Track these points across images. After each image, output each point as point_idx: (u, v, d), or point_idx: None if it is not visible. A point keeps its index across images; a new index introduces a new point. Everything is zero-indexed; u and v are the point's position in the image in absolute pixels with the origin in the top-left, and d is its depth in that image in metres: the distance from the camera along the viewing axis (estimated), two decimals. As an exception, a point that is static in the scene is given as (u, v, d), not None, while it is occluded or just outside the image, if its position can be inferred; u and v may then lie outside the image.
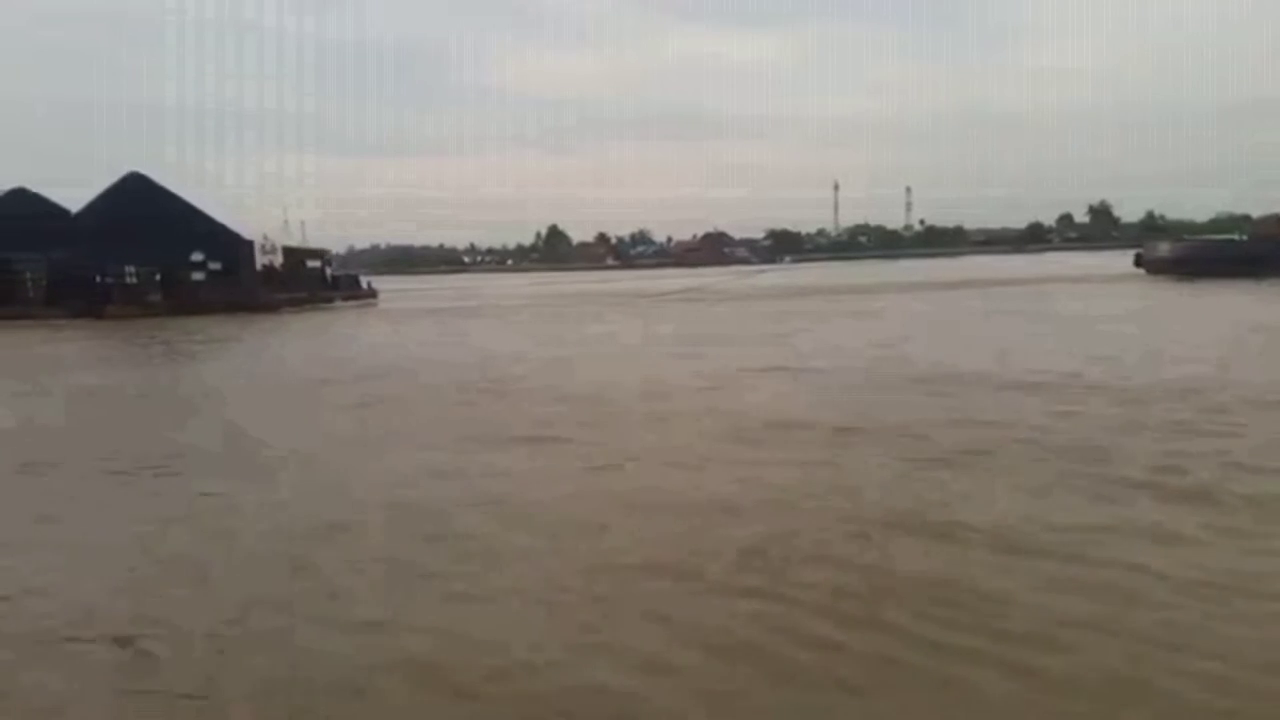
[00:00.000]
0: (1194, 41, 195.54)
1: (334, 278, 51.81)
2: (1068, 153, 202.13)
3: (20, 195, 52.16)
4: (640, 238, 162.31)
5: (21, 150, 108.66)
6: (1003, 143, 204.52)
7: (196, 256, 43.87)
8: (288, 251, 49.15)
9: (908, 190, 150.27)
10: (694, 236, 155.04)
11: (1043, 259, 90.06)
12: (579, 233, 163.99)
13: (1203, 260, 40.46)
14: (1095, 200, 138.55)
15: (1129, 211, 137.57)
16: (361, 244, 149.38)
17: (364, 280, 52.21)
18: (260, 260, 45.71)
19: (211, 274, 44.32)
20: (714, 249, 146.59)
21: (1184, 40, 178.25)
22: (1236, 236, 43.71)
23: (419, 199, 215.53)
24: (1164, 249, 45.12)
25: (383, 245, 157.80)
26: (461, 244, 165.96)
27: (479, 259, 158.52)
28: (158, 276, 43.67)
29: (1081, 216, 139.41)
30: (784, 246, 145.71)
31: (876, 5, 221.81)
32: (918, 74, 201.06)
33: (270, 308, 41.77)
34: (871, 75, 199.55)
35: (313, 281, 48.49)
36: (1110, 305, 28.53)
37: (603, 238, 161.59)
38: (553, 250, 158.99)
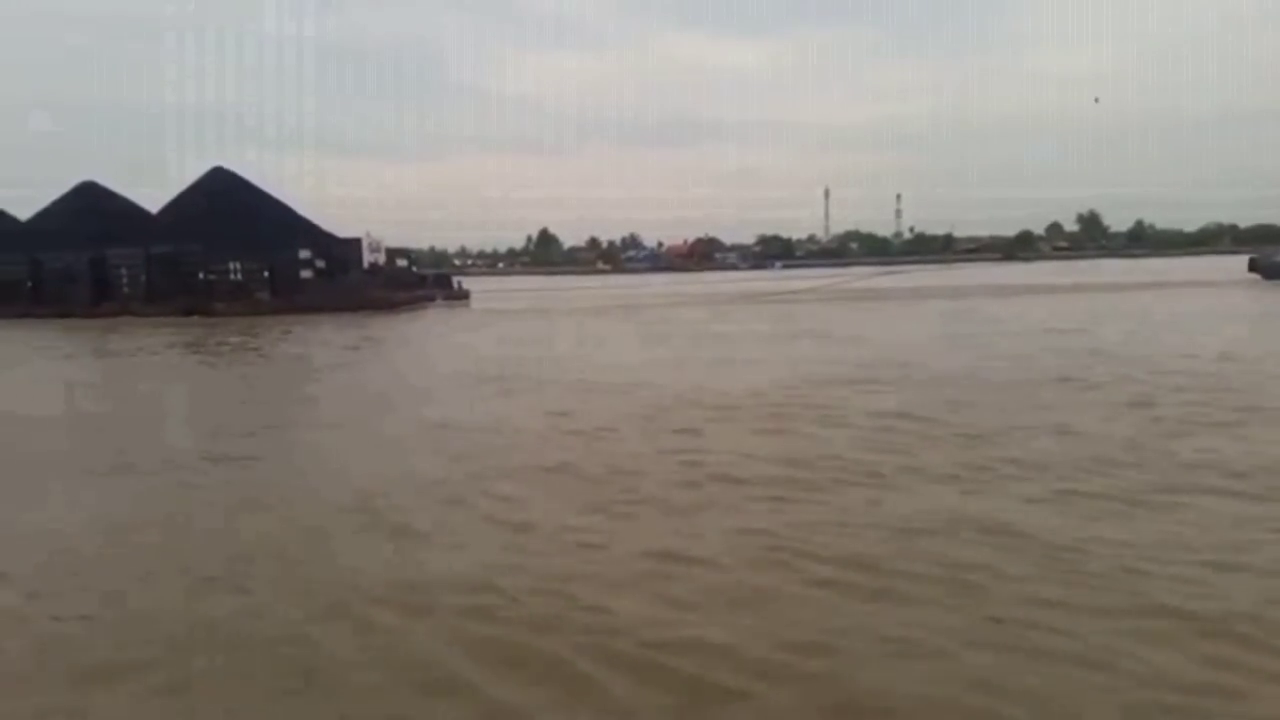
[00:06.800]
0: (1194, 50, 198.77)
1: (422, 276, 50.61)
2: (1061, 161, 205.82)
3: (89, 189, 49.89)
4: (630, 242, 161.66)
5: (21, 150, 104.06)
6: (997, 150, 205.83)
7: (304, 254, 42.46)
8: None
9: (898, 198, 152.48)
10: (684, 241, 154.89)
11: (1031, 268, 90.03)
12: (569, 236, 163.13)
13: None
14: (1084, 209, 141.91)
15: (1118, 220, 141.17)
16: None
17: (455, 280, 51.08)
18: (367, 259, 44.45)
19: (318, 272, 42.93)
20: (704, 254, 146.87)
21: (1183, 48, 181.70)
22: None
23: (415, 201, 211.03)
24: None
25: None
26: (452, 246, 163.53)
27: (470, 262, 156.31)
28: (266, 274, 42.20)
29: (1071, 225, 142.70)
30: (774, 252, 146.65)
31: (875, 12, 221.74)
32: (914, 81, 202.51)
33: (388, 306, 40.60)
34: (867, 82, 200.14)
35: (410, 280, 47.30)
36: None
37: (594, 242, 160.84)
38: (543, 254, 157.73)
